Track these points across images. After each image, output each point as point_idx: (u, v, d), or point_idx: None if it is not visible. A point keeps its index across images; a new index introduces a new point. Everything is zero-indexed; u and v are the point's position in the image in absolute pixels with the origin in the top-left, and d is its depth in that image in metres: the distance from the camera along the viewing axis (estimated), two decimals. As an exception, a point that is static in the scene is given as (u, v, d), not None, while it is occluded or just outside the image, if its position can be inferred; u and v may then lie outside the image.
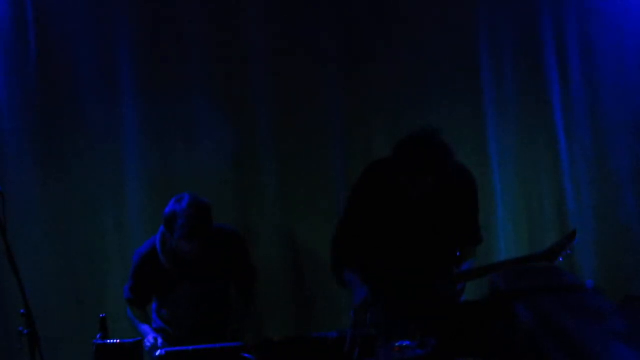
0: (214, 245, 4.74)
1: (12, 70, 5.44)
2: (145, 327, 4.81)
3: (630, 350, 2.79)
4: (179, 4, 5.66)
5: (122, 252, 5.44)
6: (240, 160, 5.68)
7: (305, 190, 5.73)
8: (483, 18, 5.91)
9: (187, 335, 4.76)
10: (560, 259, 4.40)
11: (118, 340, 4.11)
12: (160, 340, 4.60)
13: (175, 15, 5.64)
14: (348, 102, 5.79)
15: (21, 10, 5.44)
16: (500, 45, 5.93)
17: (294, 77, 5.75)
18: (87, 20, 5.53)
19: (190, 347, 4.30)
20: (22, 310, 3.75)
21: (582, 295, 3.67)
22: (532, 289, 3.73)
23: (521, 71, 5.96)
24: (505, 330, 3.66)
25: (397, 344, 4.00)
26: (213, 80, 5.68)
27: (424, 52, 5.84)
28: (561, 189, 5.93)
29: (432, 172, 4.33)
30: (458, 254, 4.61)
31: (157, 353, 4.28)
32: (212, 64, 5.67)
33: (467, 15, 5.89)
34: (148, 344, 4.56)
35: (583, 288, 3.81)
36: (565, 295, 3.65)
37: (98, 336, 4.10)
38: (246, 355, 4.18)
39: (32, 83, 5.47)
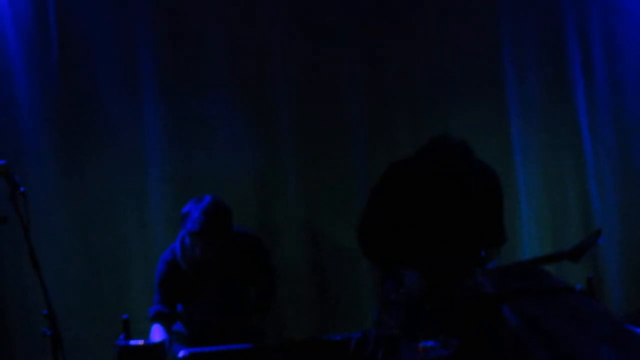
0: (235, 250, 4.70)
1: (34, 69, 5.45)
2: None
3: (617, 353, 2.76)
4: (200, 4, 5.66)
5: (145, 252, 5.45)
6: (263, 160, 5.68)
7: (328, 190, 5.72)
8: (506, 16, 5.89)
9: (208, 337, 4.73)
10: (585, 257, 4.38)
11: (141, 342, 4.10)
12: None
13: (197, 15, 5.65)
14: (370, 100, 5.78)
15: (43, 9, 5.44)
16: (523, 43, 5.92)
17: (315, 76, 5.75)
18: (108, 19, 5.54)
19: (214, 348, 4.29)
20: (44, 311, 3.76)
21: (570, 298, 3.66)
22: (519, 291, 3.72)
23: (545, 70, 5.93)
24: (492, 332, 3.65)
25: (420, 345, 3.98)
26: (235, 79, 5.68)
27: (446, 51, 5.83)
28: (585, 189, 5.89)
29: (453, 173, 4.33)
30: (483, 254, 4.58)
31: (181, 354, 4.26)
32: (234, 63, 5.67)
33: (490, 13, 5.87)
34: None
35: (571, 291, 3.80)
36: (553, 298, 3.64)
37: (121, 337, 4.09)
38: None
39: (54, 83, 5.48)
